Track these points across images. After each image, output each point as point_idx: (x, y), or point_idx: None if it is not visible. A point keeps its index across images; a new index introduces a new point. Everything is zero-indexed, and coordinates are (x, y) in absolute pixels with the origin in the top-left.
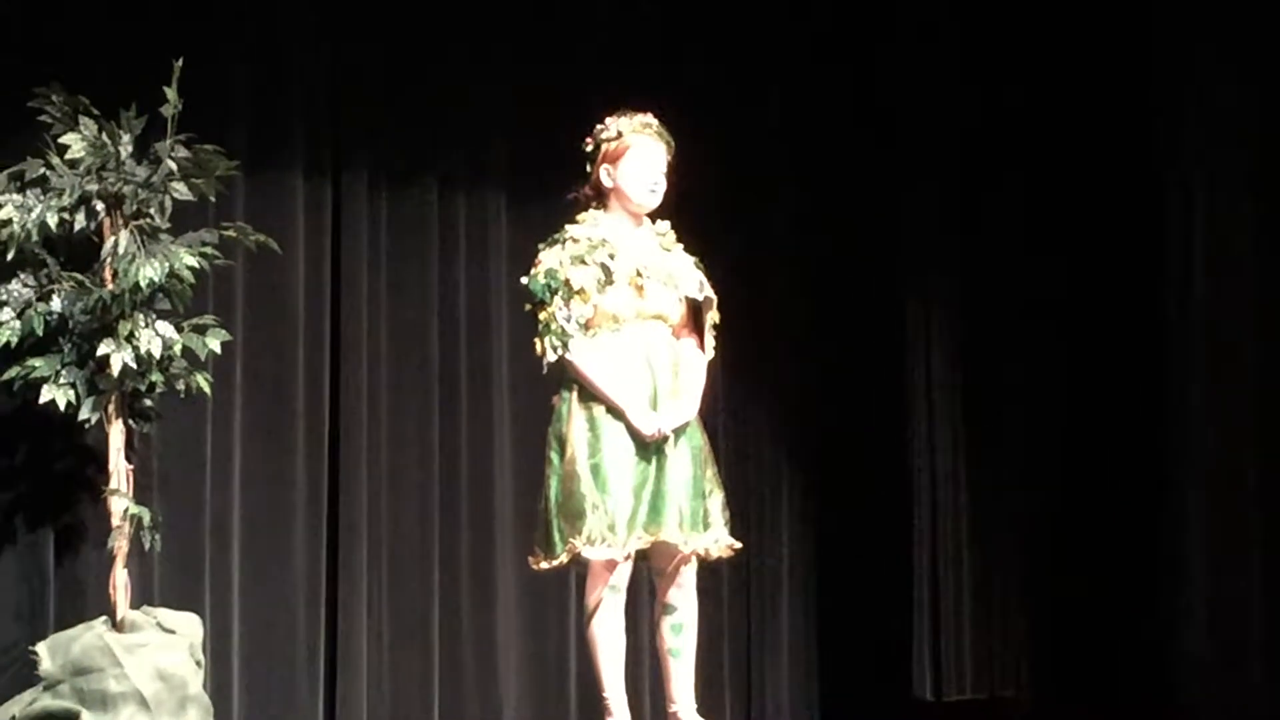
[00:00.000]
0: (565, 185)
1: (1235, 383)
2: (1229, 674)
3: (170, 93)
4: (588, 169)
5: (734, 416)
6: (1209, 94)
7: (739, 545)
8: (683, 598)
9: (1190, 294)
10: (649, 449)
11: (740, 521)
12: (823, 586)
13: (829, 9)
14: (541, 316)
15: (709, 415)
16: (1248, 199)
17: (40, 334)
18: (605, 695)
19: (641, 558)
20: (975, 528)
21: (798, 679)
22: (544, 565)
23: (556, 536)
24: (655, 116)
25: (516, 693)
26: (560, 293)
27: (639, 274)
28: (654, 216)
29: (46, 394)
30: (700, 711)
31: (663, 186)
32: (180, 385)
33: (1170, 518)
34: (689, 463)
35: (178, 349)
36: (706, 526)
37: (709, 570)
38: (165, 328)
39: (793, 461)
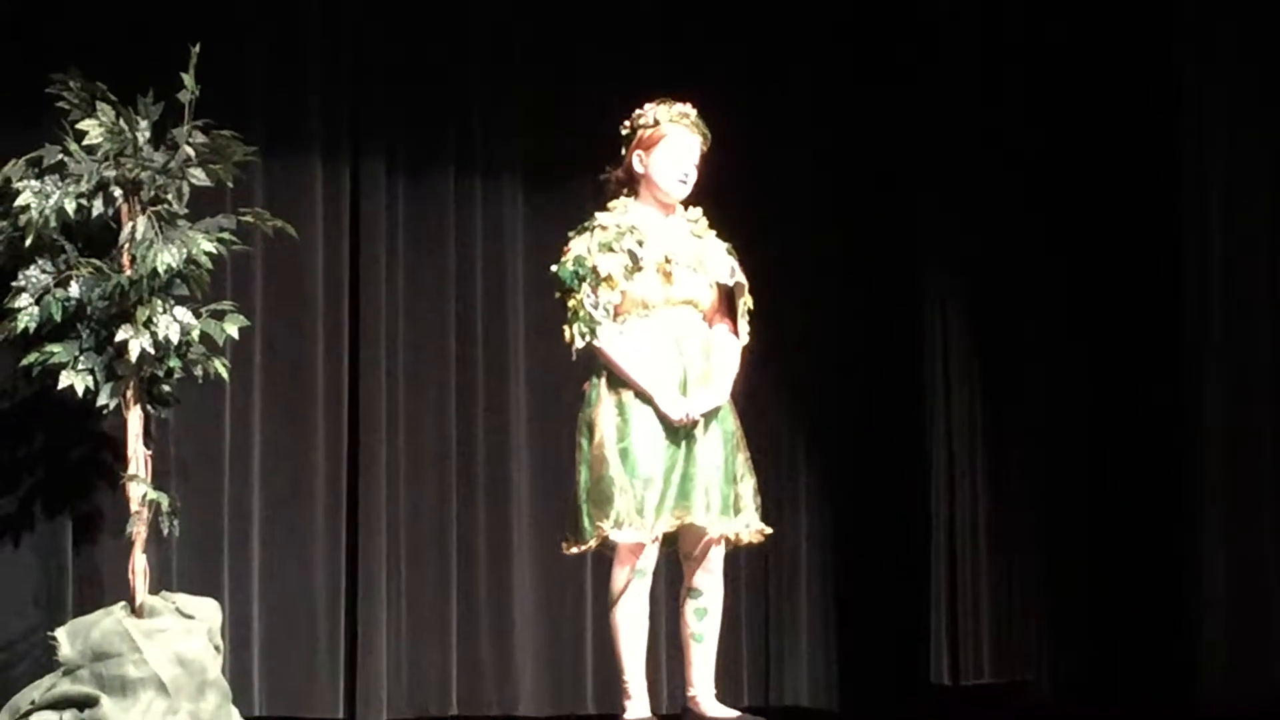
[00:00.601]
0: (580, 173)
1: (1254, 379)
2: (1249, 665)
3: (187, 79)
4: (622, 152)
5: (752, 402)
6: (1228, 91)
7: (769, 531)
8: (709, 583)
9: (1208, 290)
10: (678, 433)
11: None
12: (840, 572)
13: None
14: (570, 304)
15: None
16: (1265, 200)
17: (58, 320)
18: (625, 679)
19: (669, 542)
20: (992, 513)
21: (815, 664)
22: (574, 550)
23: (586, 521)
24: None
25: (532, 681)
26: (588, 280)
27: (667, 260)
28: (686, 203)
29: (65, 380)
30: (718, 696)
31: (693, 177)
32: (198, 371)
33: (1190, 508)
34: (720, 447)
35: (195, 334)
36: (737, 511)
37: (728, 555)
38: (183, 313)
39: (810, 447)
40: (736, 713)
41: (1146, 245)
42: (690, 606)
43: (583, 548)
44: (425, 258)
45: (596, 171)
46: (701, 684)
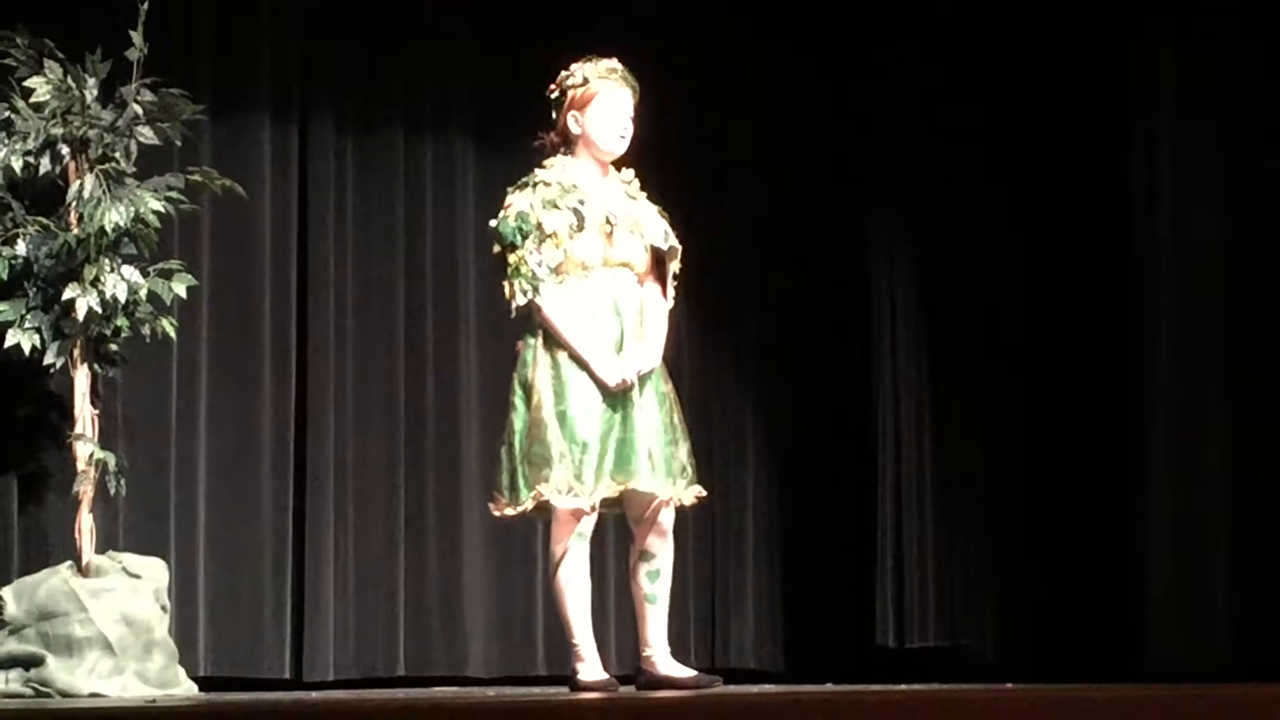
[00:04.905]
0: (530, 131)
1: (1201, 345)
2: (1195, 627)
3: (136, 36)
4: (553, 116)
5: (698, 366)
6: (1178, 67)
7: (704, 493)
8: (661, 545)
9: (1158, 261)
10: (615, 397)
11: (705, 472)
12: (787, 535)
13: None
14: (511, 259)
15: (673, 366)
16: (1213, 175)
17: (5, 278)
18: (575, 641)
19: (613, 505)
20: (939, 476)
21: (762, 627)
22: (507, 511)
23: (521, 483)
24: (620, 61)
25: (483, 641)
26: (532, 236)
27: (608, 221)
28: (619, 165)
29: (11, 338)
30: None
31: (630, 132)
32: (146, 330)
33: (1138, 472)
34: (656, 409)
35: (143, 293)
36: (680, 474)
37: (676, 519)
38: (131, 272)
39: (757, 412)
40: (692, 671)
41: (1099, 215)
42: (642, 569)
43: (517, 509)
44: (374, 216)
45: (547, 131)
46: (656, 643)
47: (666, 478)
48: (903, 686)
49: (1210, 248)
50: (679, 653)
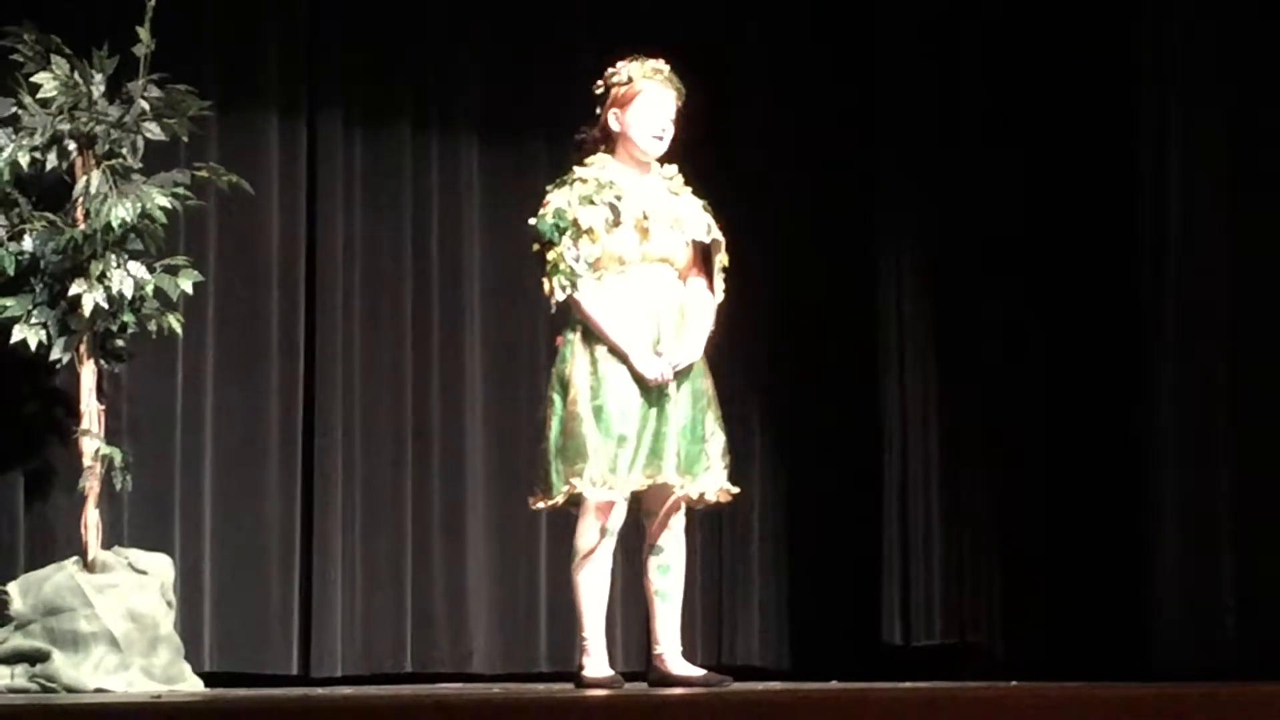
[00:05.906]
0: (536, 130)
1: (1207, 329)
2: (1201, 620)
3: (143, 32)
4: (596, 111)
5: (708, 363)
6: (1186, 58)
7: (736, 490)
8: (671, 540)
9: (1165, 257)
10: (652, 391)
11: None
12: (793, 533)
13: None
14: (550, 256)
15: None
16: (1222, 163)
17: (11, 274)
18: (585, 636)
19: (633, 499)
20: (945, 474)
21: (768, 624)
22: (542, 505)
23: (555, 477)
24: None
25: (486, 638)
26: (569, 232)
27: (645, 217)
28: (662, 160)
29: (18, 334)
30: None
31: (670, 133)
32: (152, 326)
33: (1143, 466)
34: (689, 406)
35: (149, 289)
36: (704, 470)
37: (685, 517)
38: (137, 268)
39: (765, 408)
40: (703, 670)
41: (1106, 213)
42: (653, 564)
43: (550, 503)
44: (381, 214)
45: (552, 129)
46: (667, 641)
47: (685, 475)
48: (909, 685)
49: (1219, 247)
50: (685, 650)
